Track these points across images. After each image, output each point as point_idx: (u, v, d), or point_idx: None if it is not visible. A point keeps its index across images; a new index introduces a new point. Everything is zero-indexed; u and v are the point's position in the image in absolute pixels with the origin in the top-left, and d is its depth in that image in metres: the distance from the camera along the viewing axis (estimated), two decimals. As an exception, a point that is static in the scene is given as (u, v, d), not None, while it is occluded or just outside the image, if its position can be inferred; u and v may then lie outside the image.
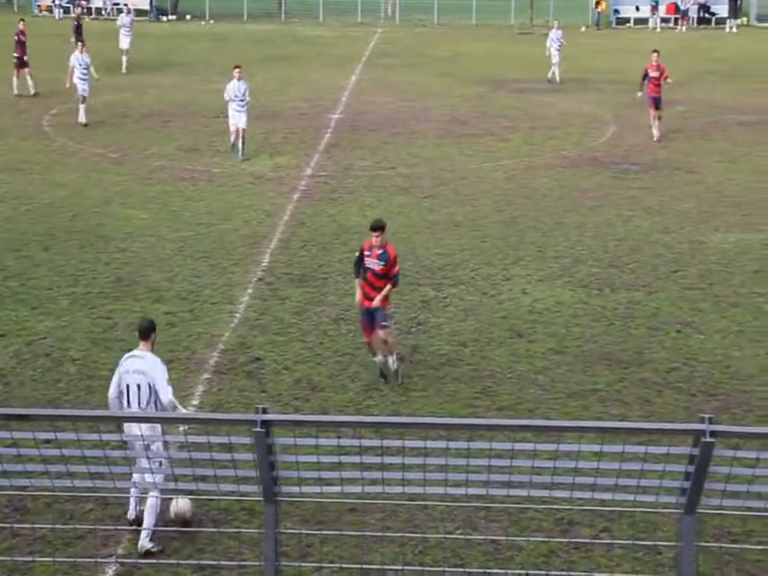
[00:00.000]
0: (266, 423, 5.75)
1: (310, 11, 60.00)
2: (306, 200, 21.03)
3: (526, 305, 15.47)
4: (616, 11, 57.66)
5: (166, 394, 9.58)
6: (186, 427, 9.63)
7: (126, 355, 9.82)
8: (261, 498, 6.03)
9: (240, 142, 23.80)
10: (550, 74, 36.54)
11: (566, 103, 32.55)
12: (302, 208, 20.45)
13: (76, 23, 39.38)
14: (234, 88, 23.72)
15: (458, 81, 36.72)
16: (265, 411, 5.76)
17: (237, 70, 23.77)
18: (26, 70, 31.64)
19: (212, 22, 56.18)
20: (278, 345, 13.96)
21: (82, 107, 27.13)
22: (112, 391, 9.69)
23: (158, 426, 8.80)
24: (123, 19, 38.32)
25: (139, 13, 56.13)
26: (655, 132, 26.28)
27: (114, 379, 9.71)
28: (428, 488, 6.09)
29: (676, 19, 56.00)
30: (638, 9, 56.63)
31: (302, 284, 16.19)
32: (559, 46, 36.48)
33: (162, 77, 36.06)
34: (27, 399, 12.05)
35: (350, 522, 9.74)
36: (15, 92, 31.43)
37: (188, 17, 56.93)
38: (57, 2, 56.96)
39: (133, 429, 8.42)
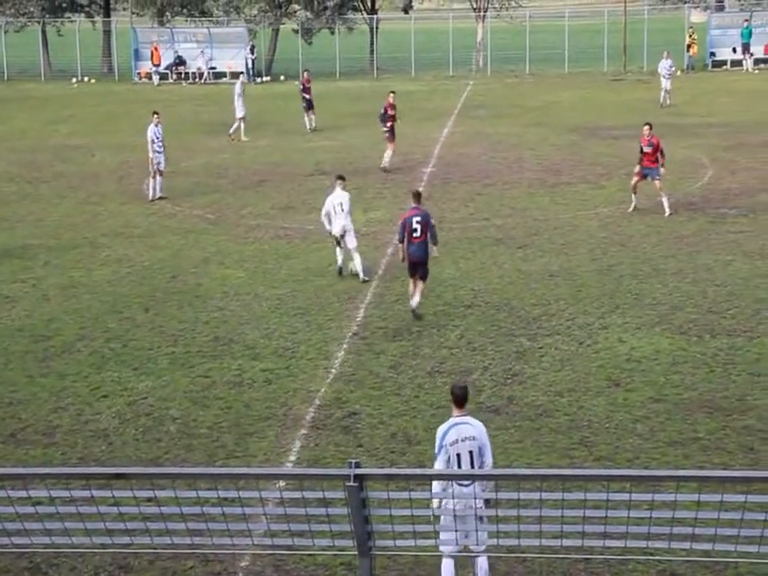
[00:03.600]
0: (358, 477, 5.79)
1: (401, 66, 60.74)
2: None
3: (624, 353, 15.26)
4: (712, 54, 57.04)
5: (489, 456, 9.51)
6: (284, 483, 9.71)
7: (454, 422, 9.56)
8: (356, 553, 6.04)
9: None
10: (661, 100, 41.50)
11: (660, 148, 32.19)
12: (396, 262, 20.53)
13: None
14: (332, 202, 19.61)
15: (551, 130, 36.69)
16: (358, 465, 5.80)
17: (339, 181, 19.72)
18: None
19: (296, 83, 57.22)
20: (373, 399, 14.00)
21: (159, 180, 26.50)
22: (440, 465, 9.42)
23: None
24: (239, 86, 38.11)
25: (234, 76, 57.63)
26: (666, 207, 23.32)
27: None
28: (523, 540, 6.04)
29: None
30: (734, 51, 55.83)
31: (396, 338, 16.25)
32: (668, 74, 41.79)
33: (257, 137, 36.78)
34: (129, 458, 12.28)
35: (447, 577, 9.64)
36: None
37: (282, 77, 58.10)
38: (154, 70, 58.73)
39: None
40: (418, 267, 17.02)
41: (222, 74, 59.20)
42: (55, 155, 34.26)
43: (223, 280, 19.62)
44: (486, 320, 16.87)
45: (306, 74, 39.49)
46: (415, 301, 16.95)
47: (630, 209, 23.79)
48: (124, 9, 70.26)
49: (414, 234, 16.95)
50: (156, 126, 26.50)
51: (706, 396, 13.66)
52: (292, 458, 12.38)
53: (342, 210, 19.34)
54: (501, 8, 63.96)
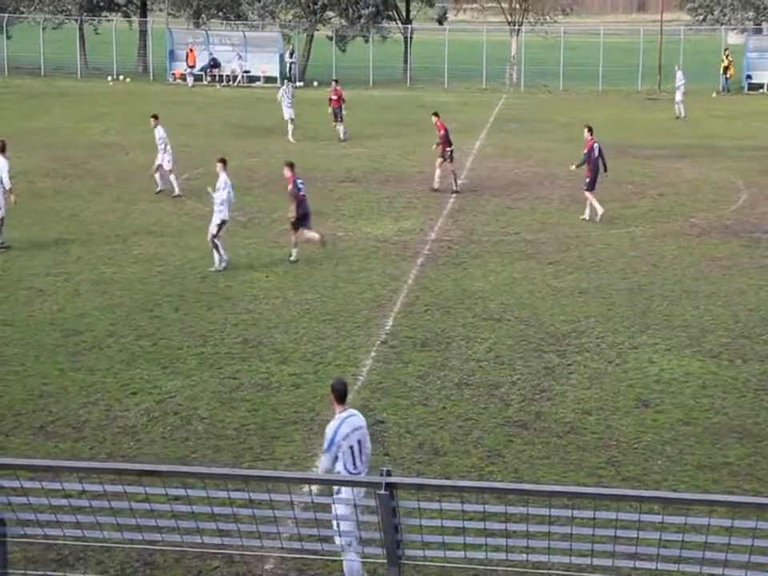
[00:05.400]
0: (390, 486, 5.77)
1: (434, 77, 60.81)
2: (429, 264, 21.16)
3: (653, 374, 15.18)
4: (748, 77, 56.82)
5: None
6: (315, 488, 9.70)
7: (343, 416, 9.78)
8: (385, 561, 6.03)
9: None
10: (676, 113, 42.63)
11: (694, 170, 32.13)
12: (426, 272, 20.58)
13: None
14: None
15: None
16: (389, 474, 5.79)
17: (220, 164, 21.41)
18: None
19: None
20: (400, 408, 13.99)
21: (157, 175, 27.80)
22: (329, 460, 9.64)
23: None
24: (285, 90, 39.06)
25: (268, 80, 57.89)
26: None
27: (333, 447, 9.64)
28: (552, 557, 6.01)
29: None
30: (771, 73, 55.69)
31: (424, 348, 16.24)
32: (679, 85, 44.01)
33: (288, 142, 36.90)
34: (157, 456, 12.31)
35: (473, 589, 9.62)
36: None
37: (315, 83, 58.27)
38: (189, 71, 59.02)
39: None
40: (308, 218, 21.06)
41: (256, 78, 59.48)
42: (89, 152, 34.47)
43: (252, 283, 19.67)
44: (515, 334, 16.84)
45: (334, 84, 39.30)
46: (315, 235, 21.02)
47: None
48: (160, 9, 70.70)
49: (301, 193, 20.90)
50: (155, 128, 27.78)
51: (737, 421, 13.57)
52: (318, 464, 12.37)
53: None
54: (536, 22, 64.02)
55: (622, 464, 12.35)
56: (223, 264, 20.42)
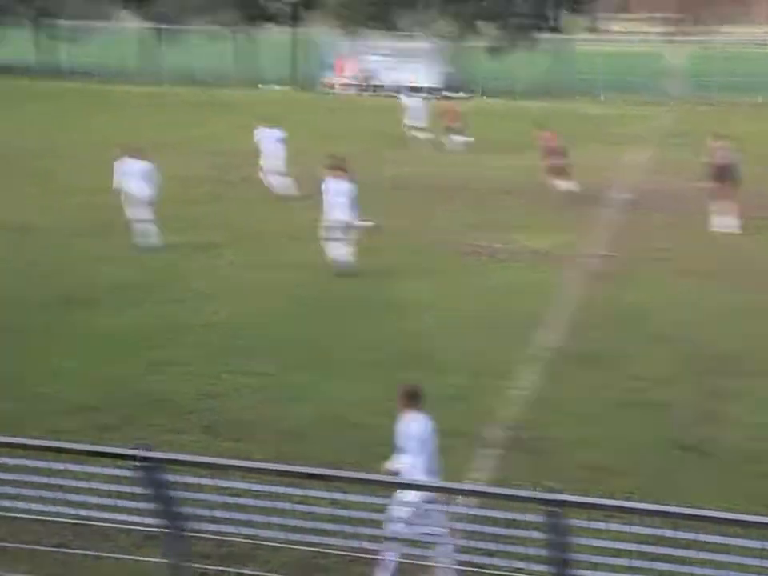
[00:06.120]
0: (559, 503, 5.72)
1: (589, 89, 59.92)
2: (589, 279, 20.74)
3: (832, 400, 14.47)
4: None
5: None
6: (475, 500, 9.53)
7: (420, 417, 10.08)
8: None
9: None
10: None
11: None
12: (586, 287, 20.17)
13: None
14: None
15: (755, 160, 35.28)
16: (559, 491, 5.74)
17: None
18: None
19: (485, 98, 57.18)
20: (563, 425, 13.69)
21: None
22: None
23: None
24: (417, 101, 39.70)
25: (418, 90, 58.03)
26: None
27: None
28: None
29: None
30: None
31: (587, 365, 15.86)
32: None
33: (441, 152, 36.89)
34: (319, 460, 12.32)
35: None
36: None
37: (467, 94, 58.20)
38: (340, 80, 59.71)
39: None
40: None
41: (407, 88, 59.75)
42: (244, 159, 35.06)
43: (411, 293, 19.62)
44: (680, 353, 16.30)
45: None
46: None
47: None
48: (313, 19, 71.87)
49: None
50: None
51: None
52: (479, 477, 12.20)
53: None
54: (696, 33, 62.49)
55: (800, 495, 11.77)
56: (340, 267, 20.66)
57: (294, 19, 69.10)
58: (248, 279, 20.37)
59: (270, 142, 29.38)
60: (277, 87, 61.08)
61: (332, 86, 60.36)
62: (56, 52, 68.30)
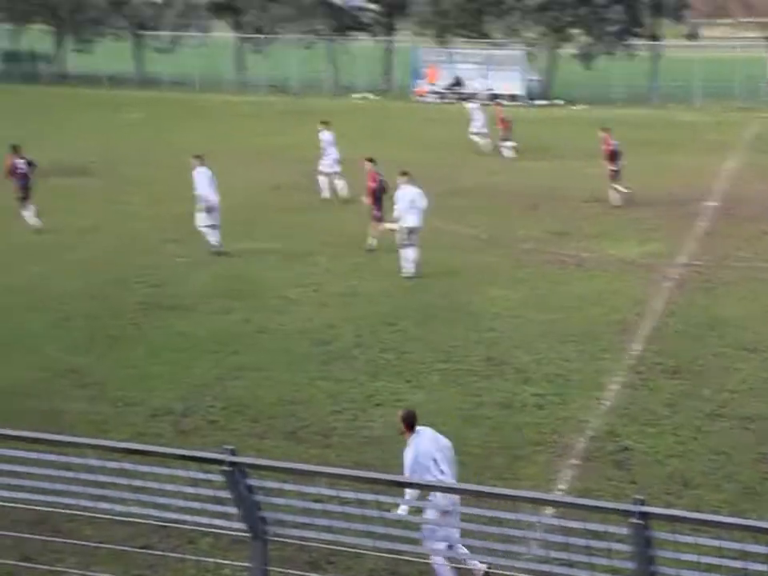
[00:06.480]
0: (644, 515, 5.61)
1: (684, 96, 58.94)
2: (677, 289, 20.45)
3: None
4: None
5: None
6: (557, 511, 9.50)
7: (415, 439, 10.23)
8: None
9: None
10: None
11: None
12: (674, 297, 19.89)
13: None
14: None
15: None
16: (643, 503, 5.62)
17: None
18: None
19: (582, 107, 56.66)
20: (647, 436, 13.53)
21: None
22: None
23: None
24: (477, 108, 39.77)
25: (511, 98, 57.84)
26: None
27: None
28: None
29: None
30: None
31: (674, 375, 15.65)
32: None
33: (530, 160, 36.70)
34: (399, 467, 12.37)
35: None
36: None
37: (558, 101, 57.77)
38: (432, 88, 59.74)
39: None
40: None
41: (499, 96, 59.52)
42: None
43: (494, 301, 19.59)
44: (771, 366, 16.00)
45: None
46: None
47: None
48: (406, 29, 72.03)
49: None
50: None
51: None
52: (561, 487, 12.15)
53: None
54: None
55: None
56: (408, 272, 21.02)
57: (386, 28, 69.42)
58: (339, 287, 20.47)
59: (328, 145, 30.39)
60: (369, 96, 61.39)
61: (423, 94, 60.44)
62: (152, 62, 69.76)
